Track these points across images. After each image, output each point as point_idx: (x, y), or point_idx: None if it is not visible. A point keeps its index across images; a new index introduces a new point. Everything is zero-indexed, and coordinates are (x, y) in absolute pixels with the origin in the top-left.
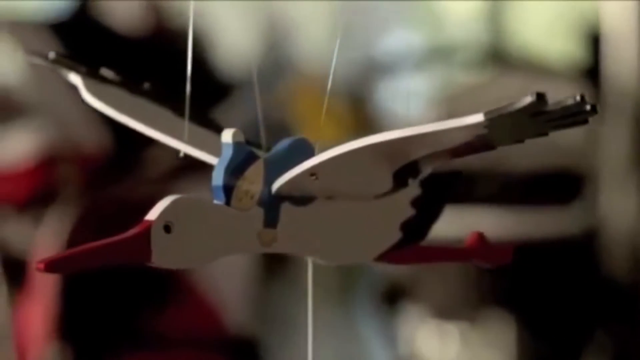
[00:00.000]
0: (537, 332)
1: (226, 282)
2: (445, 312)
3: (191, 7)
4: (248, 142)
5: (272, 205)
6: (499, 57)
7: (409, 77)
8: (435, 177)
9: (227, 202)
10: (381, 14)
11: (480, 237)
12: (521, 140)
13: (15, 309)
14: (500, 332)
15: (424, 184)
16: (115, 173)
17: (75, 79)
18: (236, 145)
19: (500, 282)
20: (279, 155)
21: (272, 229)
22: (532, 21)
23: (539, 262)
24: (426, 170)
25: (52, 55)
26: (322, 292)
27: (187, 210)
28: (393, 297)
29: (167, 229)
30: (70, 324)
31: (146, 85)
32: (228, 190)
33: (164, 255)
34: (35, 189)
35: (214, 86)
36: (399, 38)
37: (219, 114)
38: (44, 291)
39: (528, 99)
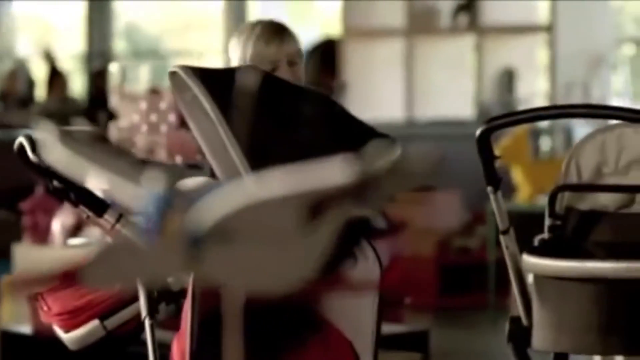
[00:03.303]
0: None
1: (357, 322)
2: None
3: None
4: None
5: (196, 241)
6: None
7: None
8: (347, 222)
9: (155, 238)
10: None
11: (395, 272)
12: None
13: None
14: None
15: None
16: None
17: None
18: (160, 190)
19: None
20: (202, 198)
21: (197, 261)
22: None
23: None
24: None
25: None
26: None
27: (115, 247)
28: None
29: (100, 263)
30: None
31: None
32: (155, 228)
33: (99, 281)
34: None
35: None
36: None
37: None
38: (183, 327)
39: (382, 163)
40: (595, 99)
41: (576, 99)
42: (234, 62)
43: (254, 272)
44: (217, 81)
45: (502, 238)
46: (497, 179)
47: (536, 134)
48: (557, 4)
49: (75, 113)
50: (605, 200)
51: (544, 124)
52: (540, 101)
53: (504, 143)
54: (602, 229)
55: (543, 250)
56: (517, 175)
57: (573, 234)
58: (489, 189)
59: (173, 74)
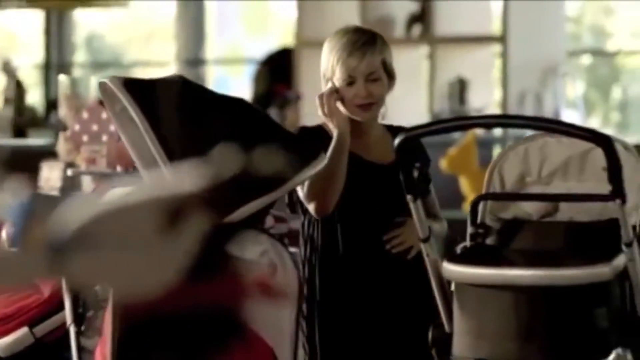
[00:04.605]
0: None
1: (278, 330)
2: None
3: None
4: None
5: (62, 247)
6: None
7: None
8: (210, 232)
9: (20, 246)
10: None
11: (262, 277)
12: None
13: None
14: None
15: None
16: None
17: None
18: (25, 200)
19: None
20: (63, 205)
21: (63, 266)
22: None
23: None
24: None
25: None
26: None
27: None
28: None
29: None
30: None
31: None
32: (20, 236)
33: None
34: None
35: None
36: None
37: None
38: (107, 334)
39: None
40: (548, 109)
41: (529, 109)
42: (322, 64)
43: (117, 275)
44: (145, 91)
45: (422, 246)
46: (416, 188)
47: (488, 143)
48: (510, 15)
49: (32, 123)
50: (529, 209)
51: (497, 133)
52: (493, 111)
53: (451, 152)
54: (524, 237)
55: (463, 258)
56: (464, 185)
57: (495, 242)
58: (409, 197)
59: (103, 86)
